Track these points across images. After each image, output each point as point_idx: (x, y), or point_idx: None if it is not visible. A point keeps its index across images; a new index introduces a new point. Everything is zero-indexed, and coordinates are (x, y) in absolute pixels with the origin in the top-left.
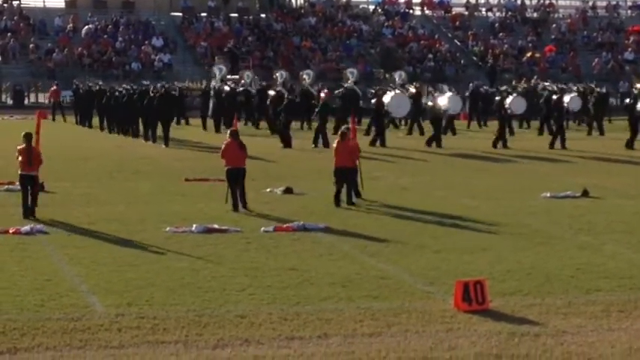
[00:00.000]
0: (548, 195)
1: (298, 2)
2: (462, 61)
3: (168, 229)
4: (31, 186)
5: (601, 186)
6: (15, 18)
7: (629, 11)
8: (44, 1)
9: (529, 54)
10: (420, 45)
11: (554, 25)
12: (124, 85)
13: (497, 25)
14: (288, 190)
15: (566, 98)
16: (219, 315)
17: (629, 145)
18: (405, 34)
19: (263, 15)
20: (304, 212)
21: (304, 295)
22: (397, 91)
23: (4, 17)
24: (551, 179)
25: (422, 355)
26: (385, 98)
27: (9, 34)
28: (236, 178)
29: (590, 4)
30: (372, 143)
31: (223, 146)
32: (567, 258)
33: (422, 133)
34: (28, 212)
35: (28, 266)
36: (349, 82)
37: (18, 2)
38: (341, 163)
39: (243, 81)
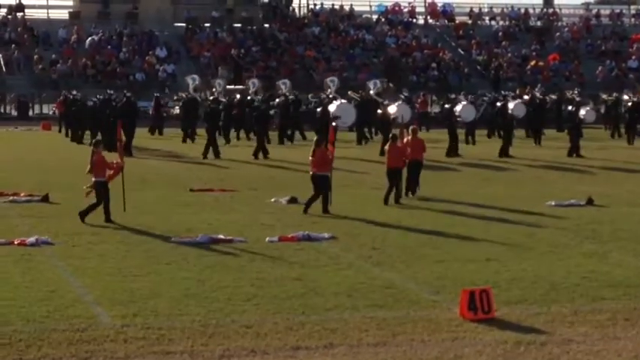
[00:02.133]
0: (553, 203)
1: (302, 12)
2: (466, 70)
3: (173, 239)
4: (98, 191)
5: (606, 194)
6: (19, 29)
7: (632, 19)
8: (48, 13)
9: (533, 62)
10: (423, 54)
11: (557, 34)
12: (98, 95)
13: (500, 33)
14: (292, 200)
15: (511, 105)
16: (225, 325)
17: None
18: (408, 43)
19: (266, 25)
20: (309, 222)
21: (310, 305)
22: (342, 100)
23: (9, 29)
24: (555, 187)
25: None
26: (331, 107)
27: (13, 45)
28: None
29: (594, 12)
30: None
31: (387, 148)
32: (573, 266)
33: (366, 141)
34: (106, 217)
35: (34, 277)
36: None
37: (22, 14)
38: (393, 164)
39: (214, 89)
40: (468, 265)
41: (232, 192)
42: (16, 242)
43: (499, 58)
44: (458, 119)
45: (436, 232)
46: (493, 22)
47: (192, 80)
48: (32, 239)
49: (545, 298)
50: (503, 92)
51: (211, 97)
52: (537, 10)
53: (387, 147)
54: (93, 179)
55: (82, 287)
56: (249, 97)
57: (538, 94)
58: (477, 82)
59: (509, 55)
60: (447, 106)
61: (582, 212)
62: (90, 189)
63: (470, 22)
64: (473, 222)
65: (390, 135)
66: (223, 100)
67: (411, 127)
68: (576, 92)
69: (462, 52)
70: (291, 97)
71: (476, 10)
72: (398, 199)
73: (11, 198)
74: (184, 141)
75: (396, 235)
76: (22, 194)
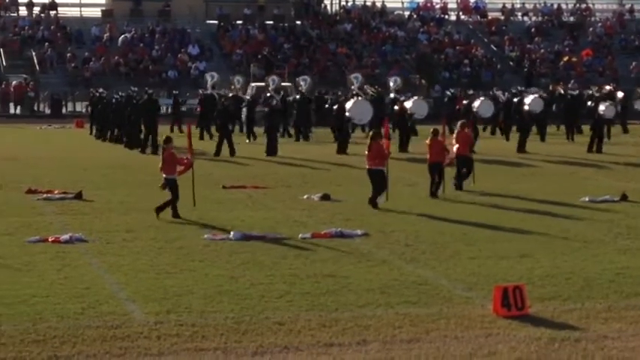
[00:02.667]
0: (587, 199)
1: (334, 9)
2: (499, 66)
3: (206, 236)
4: (170, 188)
5: None
6: (52, 28)
7: None
8: (81, 11)
9: (566, 58)
10: (455, 50)
11: (590, 29)
12: (121, 93)
13: (533, 29)
14: (325, 197)
15: (527, 100)
16: (258, 322)
17: None
18: (440, 39)
19: (298, 22)
20: (341, 218)
21: (343, 302)
22: (359, 97)
23: (42, 27)
24: (589, 183)
25: None
26: (347, 105)
27: (46, 43)
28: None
29: (628, 7)
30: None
31: (428, 142)
32: (607, 262)
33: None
34: (173, 214)
35: (68, 274)
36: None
37: (55, 12)
38: (434, 158)
39: (233, 86)
40: (501, 261)
41: (265, 189)
42: (50, 239)
43: (532, 54)
44: (476, 115)
45: (469, 229)
46: (526, 18)
47: (211, 77)
48: (66, 236)
49: (580, 295)
50: (518, 88)
51: (230, 95)
52: (570, 6)
53: (427, 141)
54: (164, 176)
55: (116, 284)
56: (267, 94)
57: (573, 90)
58: (510, 78)
59: (542, 51)
60: (465, 102)
61: (616, 208)
62: (165, 185)
63: (502, 18)
64: (506, 218)
65: (432, 130)
66: (247, 97)
67: (460, 122)
68: (595, 88)
69: (495, 49)
70: (293, 96)
71: (508, 5)
72: (435, 192)
73: (45, 195)
74: (202, 138)
75: (429, 231)
76: (56, 192)
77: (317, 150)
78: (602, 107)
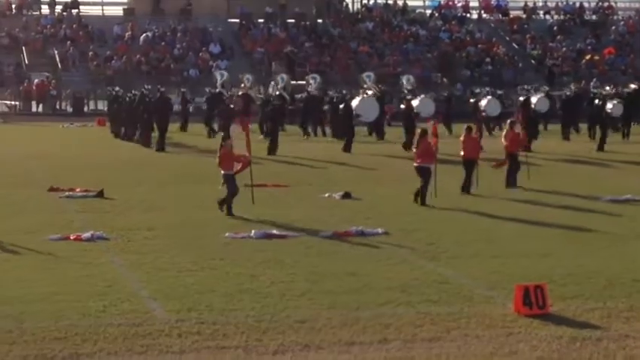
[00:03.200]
0: (609, 198)
1: (355, 7)
2: (520, 65)
3: (227, 234)
4: (228, 183)
5: None
6: (74, 26)
7: None
8: (103, 10)
9: (588, 57)
10: (477, 49)
11: (613, 27)
12: (134, 91)
13: (555, 27)
14: (346, 195)
15: (534, 99)
16: (279, 320)
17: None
18: (462, 38)
19: (320, 20)
20: (362, 217)
21: (363, 300)
22: (365, 95)
23: (64, 26)
24: (611, 183)
25: None
26: (353, 102)
27: (68, 42)
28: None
29: None
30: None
31: (462, 139)
32: (629, 261)
33: (382, 137)
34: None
35: (89, 272)
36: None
37: (77, 11)
38: (468, 154)
39: (242, 85)
40: (522, 260)
41: (286, 187)
42: (72, 237)
43: (554, 52)
44: (483, 114)
45: (491, 228)
46: (548, 17)
47: (221, 75)
48: (88, 234)
49: (601, 294)
50: (526, 86)
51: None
52: (592, 4)
53: (461, 138)
54: (222, 172)
55: (138, 282)
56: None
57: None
58: (532, 76)
59: (564, 49)
60: (472, 100)
61: (639, 207)
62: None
63: (524, 16)
64: (528, 217)
65: (466, 126)
66: (260, 96)
67: (509, 121)
68: (599, 85)
69: (517, 47)
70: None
71: (530, 4)
72: (467, 188)
73: (67, 193)
74: (210, 136)
75: (450, 230)
76: (77, 190)
77: (322, 148)
78: (609, 105)
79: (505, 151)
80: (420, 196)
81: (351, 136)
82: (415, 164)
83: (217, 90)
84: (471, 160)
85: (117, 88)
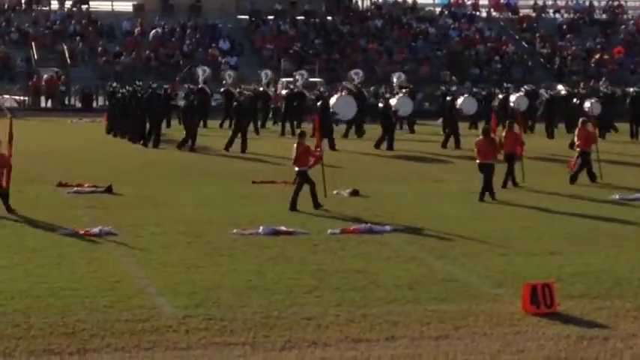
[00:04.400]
0: (617, 197)
1: (365, 4)
2: (530, 63)
3: (235, 231)
4: (301, 180)
5: None
6: (83, 22)
7: None
8: (112, 5)
9: (597, 56)
10: (486, 47)
11: (623, 27)
12: (127, 87)
13: (565, 26)
14: (354, 192)
15: (513, 97)
16: (286, 317)
17: None
18: (471, 36)
19: (329, 17)
20: (371, 214)
21: (371, 298)
22: (342, 93)
23: (73, 21)
24: (620, 181)
25: (490, 358)
26: (331, 100)
27: (78, 37)
28: (486, 172)
29: None
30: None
31: (477, 141)
32: (637, 261)
33: (361, 134)
34: (316, 205)
35: (97, 268)
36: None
37: (87, 6)
38: (509, 149)
39: (224, 81)
40: (530, 258)
41: (294, 184)
42: (80, 232)
43: (563, 51)
44: (459, 112)
45: (499, 226)
46: (557, 15)
47: (203, 71)
48: (96, 230)
49: (609, 293)
50: (505, 85)
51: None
52: (602, 3)
53: (503, 133)
54: (296, 169)
55: (145, 278)
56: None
57: (604, 88)
58: (541, 75)
59: (574, 48)
60: (448, 98)
61: None
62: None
63: (534, 14)
64: (536, 215)
65: (507, 122)
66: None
67: (581, 120)
68: (582, 84)
69: (526, 45)
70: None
71: (540, 2)
72: (508, 183)
73: (75, 189)
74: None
75: (458, 228)
76: (86, 185)
77: (356, 145)
78: (587, 104)
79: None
80: (482, 191)
81: (329, 134)
82: (478, 161)
83: (200, 86)
84: (512, 155)
85: (114, 84)
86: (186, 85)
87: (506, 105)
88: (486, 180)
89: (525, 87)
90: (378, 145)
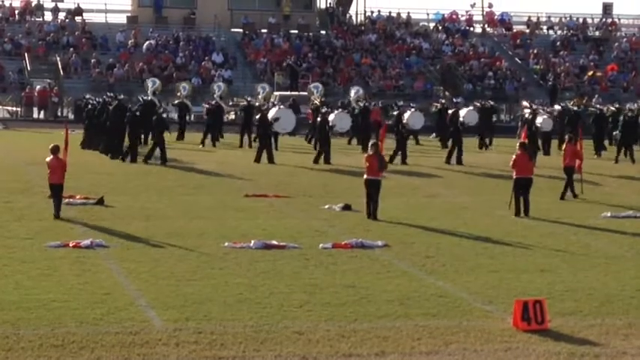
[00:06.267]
0: (609, 215)
1: (359, 19)
2: (523, 79)
3: (226, 244)
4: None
5: None
6: (77, 33)
7: None
8: (106, 17)
9: (590, 73)
10: (480, 63)
11: (616, 44)
12: (98, 99)
13: (558, 43)
14: (346, 207)
15: (463, 112)
16: (277, 331)
17: None
18: (465, 51)
19: (323, 32)
20: (362, 229)
21: (362, 313)
22: (281, 106)
23: (67, 32)
24: (611, 199)
25: None
26: (270, 113)
27: (71, 49)
28: (524, 187)
29: None
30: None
31: (514, 157)
32: (628, 278)
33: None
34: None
35: (88, 280)
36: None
37: (80, 18)
38: (569, 162)
39: (179, 93)
40: (522, 275)
41: (287, 198)
42: (71, 244)
43: (556, 67)
44: (406, 127)
45: (490, 242)
46: (551, 32)
47: (152, 83)
48: (87, 242)
49: (600, 310)
50: (454, 99)
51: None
52: (596, 20)
53: (563, 146)
54: (365, 176)
55: (136, 290)
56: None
57: (597, 105)
58: (534, 91)
59: (567, 64)
60: (395, 113)
61: (639, 224)
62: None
63: (527, 31)
64: (527, 232)
65: (568, 136)
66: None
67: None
68: (536, 101)
69: (519, 62)
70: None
71: (534, 19)
72: (573, 194)
73: (67, 201)
74: (145, 142)
75: (450, 243)
76: (77, 197)
77: (347, 159)
78: (539, 120)
79: None
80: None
81: (263, 147)
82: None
83: (149, 98)
84: (571, 168)
85: (87, 96)
86: (140, 97)
87: (455, 120)
88: (525, 195)
89: (477, 102)
90: (391, 160)
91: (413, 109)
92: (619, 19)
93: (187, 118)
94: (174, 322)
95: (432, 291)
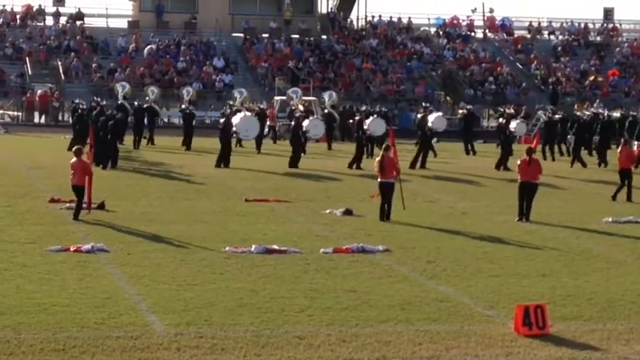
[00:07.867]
0: (610, 220)
1: (360, 24)
2: (524, 84)
3: (227, 249)
4: (387, 191)
5: None
6: (78, 38)
7: None
8: (107, 21)
9: (592, 78)
10: (481, 68)
11: (617, 49)
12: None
13: (559, 48)
14: (347, 212)
15: (431, 118)
16: (278, 336)
17: None
18: (466, 56)
19: (324, 36)
20: (363, 234)
21: (363, 317)
22: (246, 113)
23: (68, 37)
24: (613, 204)
25: None
26: (234, 119)
27: (72, 53)
28: (528, 192)
29: None
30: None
31: (519, 162)
32: (629, 283)
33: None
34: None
35: (89, 284)
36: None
37: (81, 22)
38: (624, 164)
39: (147, 97)
40: (523, 280)
41: (287, 203)
42: (72, 249)
43: (557, 72)
44: (367, 132)
45: (492, 247)
46: (552, 37)
47: (122, 87)
48: (88, 246)
49: (601, 315)
50: (423, 104)
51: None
52: (597, 25)
53: (619, 149)
54: (379, 180)
55: (137, 295)
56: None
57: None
58: (535, 96)
59: (568, 70)
60: (357, 117)
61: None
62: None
63: (529, 36)
64: (529, 237)
65: (622, 140)
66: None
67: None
68: (511, 106)
69: (520, 67)
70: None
71: (535, 24)
72: (629, 197)
73: (68, 205)
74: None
75: (451, 248)
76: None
77: (326, 164)
78: (513, 124)
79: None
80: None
81: (225, 152)
82: (619, 168)
83: (120, 102)
84: (626, 170)
85: (77, 100)
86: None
87: (423, 125)
88: (528, 201)
89: (461, 109)
90: (413, 165)
91: (375, 116)
92: (620, 24)
93: (155, 122)
94: (175, 326)
95: (433, 296)
